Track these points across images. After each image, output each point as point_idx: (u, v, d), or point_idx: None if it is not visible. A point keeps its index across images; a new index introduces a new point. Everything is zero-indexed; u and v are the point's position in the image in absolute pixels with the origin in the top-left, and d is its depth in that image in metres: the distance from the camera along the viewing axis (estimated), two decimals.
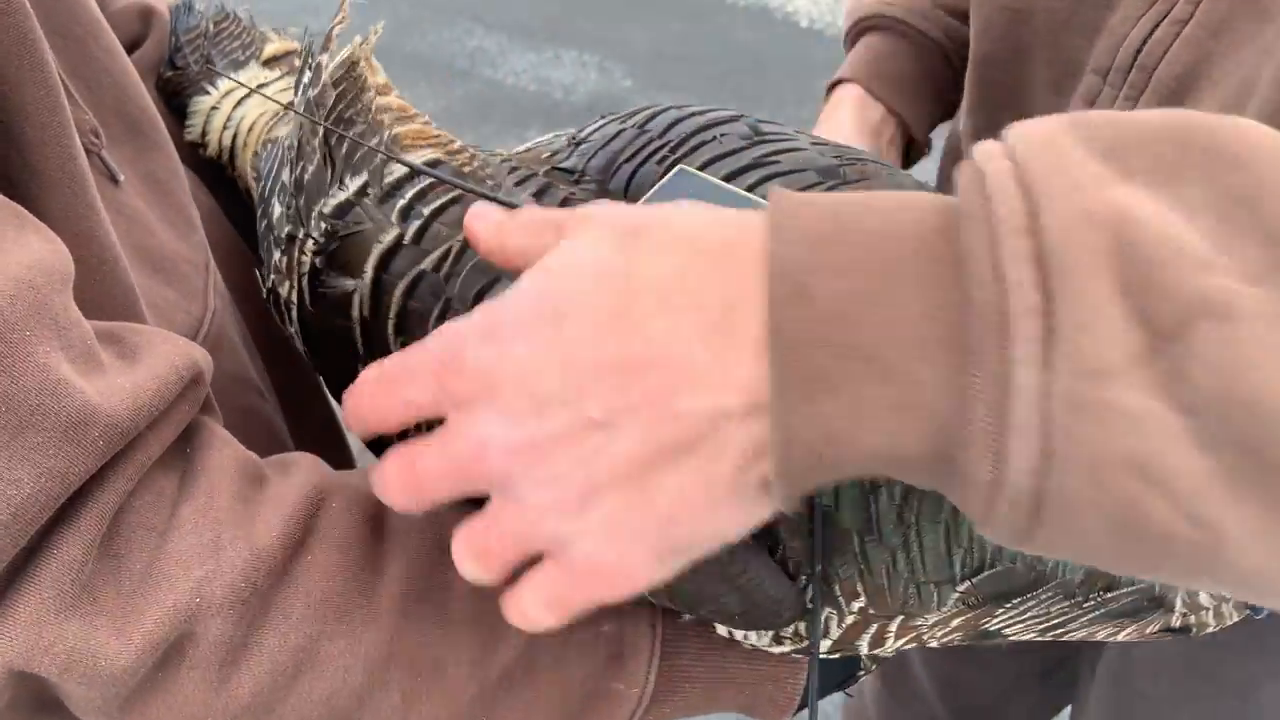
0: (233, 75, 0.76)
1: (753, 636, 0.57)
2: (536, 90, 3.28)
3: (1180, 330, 0.33)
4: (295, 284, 0.61)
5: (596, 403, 0.39)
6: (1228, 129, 0.36)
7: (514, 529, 0.42)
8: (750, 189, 0.56)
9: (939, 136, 0.96)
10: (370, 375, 0.45)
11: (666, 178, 0.56)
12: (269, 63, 0.78)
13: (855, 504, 0.51)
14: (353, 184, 0.59)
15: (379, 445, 0.60)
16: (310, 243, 0.59)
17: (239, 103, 0.74)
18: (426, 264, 0.56)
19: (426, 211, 0.57)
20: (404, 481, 0.44)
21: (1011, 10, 0.74)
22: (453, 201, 0.57)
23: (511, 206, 0.51)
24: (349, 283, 0.58)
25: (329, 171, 0.60)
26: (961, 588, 0.52)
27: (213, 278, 0.65)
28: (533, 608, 0.43)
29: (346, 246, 0.59)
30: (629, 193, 0.58)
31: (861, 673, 0.64)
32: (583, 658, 0.56)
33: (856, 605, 0.53)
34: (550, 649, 0.55)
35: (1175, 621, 0.55)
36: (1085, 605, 0.54)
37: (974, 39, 0.78)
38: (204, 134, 0.75)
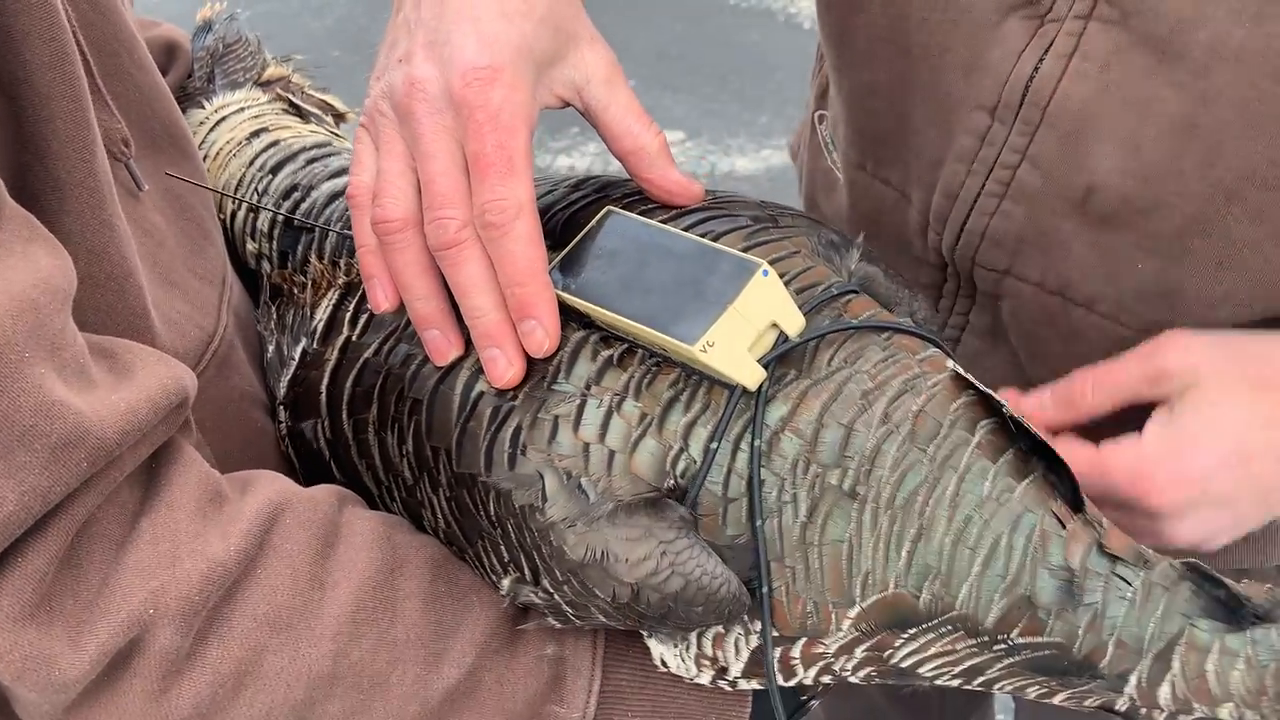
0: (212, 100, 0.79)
1: (675, 662, 0.58)
2: None
3: None
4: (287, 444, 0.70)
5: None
6: None
7: None
8: (689, 230, 0.57)
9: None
10: None
11: (596, 218, 0.58)
12: (264, 85, 0.81)
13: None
14: (296, 351, 0.65)
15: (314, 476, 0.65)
16: (281, 411, 0.66)
17: (214, 126, 0.77)
18: (368, 353, 0.60)
19: (367, 306, 0.61)
20: None
21: (889, 42, 0.72)
22: None
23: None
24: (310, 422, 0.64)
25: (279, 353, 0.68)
26: (854, 612, 0.53)
27: (228, 292, 0.65)
28: None
29: (301, 395, 0.65)
30: (561, 233, 0.60)
31: (806, 699, 0.64)
32: (526, 680, 0.56)
33: (758, 625, 0.54)
34: (494, 670, 0.56)
35: (1120, 705, 0.52)
36: (995, 649, 0.52)
37: (853, 67, 0.76)
38: None
